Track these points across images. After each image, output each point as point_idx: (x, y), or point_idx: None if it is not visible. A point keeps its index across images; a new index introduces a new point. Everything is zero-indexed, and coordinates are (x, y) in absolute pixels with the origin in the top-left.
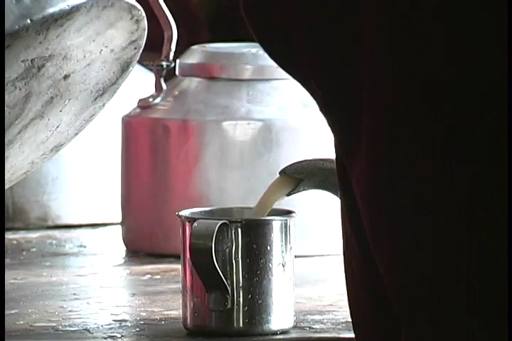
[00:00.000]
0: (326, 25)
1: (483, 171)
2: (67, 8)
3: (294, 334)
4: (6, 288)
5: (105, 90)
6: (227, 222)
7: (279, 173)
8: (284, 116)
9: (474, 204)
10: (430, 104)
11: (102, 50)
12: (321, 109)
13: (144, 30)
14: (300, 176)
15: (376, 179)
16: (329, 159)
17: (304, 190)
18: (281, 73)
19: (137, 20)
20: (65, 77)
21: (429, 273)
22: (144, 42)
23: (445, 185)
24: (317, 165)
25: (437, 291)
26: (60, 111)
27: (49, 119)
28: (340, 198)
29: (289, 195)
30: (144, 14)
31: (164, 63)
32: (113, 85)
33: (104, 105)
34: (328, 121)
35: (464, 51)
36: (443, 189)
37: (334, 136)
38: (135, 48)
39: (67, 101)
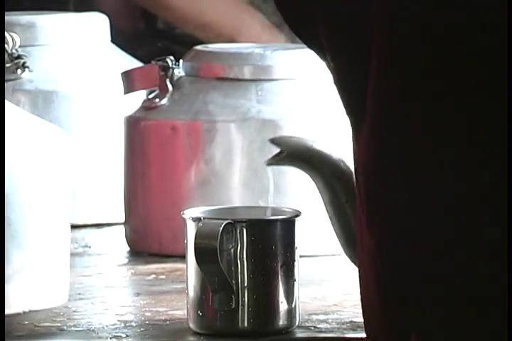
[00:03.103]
0: (340, 11)
1: (494, 153)
2: None
3: (298, 334)
4: None
5: None
6: (232, 221)
7: (268, 140)
8: (294, 116)
9: (477, 193)
10: (433, 90)
11: None
12: (335, 82)
13: None
14: (283, 148)
15: (375, 157)
16: (320, 143)
17: (287, 164)
18: (289, 73)
19: None
20: None
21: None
22: None
23: (450, 173)
24: (305, 144)
25: (449, 292)
26: None
27: None
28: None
29: (269, 164)
30: None
31: (170, 63)
32: None
33: None
34: (340, 96)
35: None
36: (445, 178)
37: (346, 114)
38: None
39: None
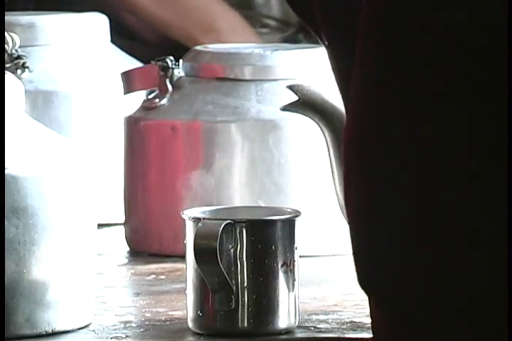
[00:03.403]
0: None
1: (494, 153)
2: None
3: (298, 334)
4: None
5: None
6: (231, 221)
7: (286, 87)
8: (294, 116)
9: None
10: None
11: None
12: (329, 59)
13: None
14: (299, 95)
15: (354, 128)
16: (335, 98)
17: (299, 112)
18: (289, 73)
19: None
20: None
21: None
22: None
23: (450, 174)
24: (321, 95)
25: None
26: None
27: None
28: None
29: (283, 109)
30: None
31: (170, 63)
32: None
33: None
34: (332, 72)
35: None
36: (445, 178)
37: (338, 89)
38: None
39: None
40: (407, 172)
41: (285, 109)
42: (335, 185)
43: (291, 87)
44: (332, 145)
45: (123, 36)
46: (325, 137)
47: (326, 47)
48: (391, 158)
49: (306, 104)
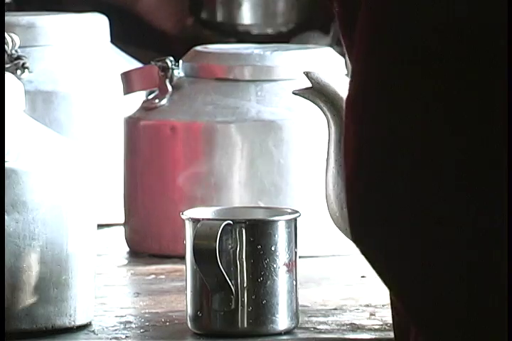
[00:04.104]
0: None
1: (495, 153)
2: None
3: (298, 335)
4: None
5: None
6: (231, 222)
7: (303, 72)
8: (294, 117)
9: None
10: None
11: None
12: (339, 28)
13: None
14: (313, 83)
15: (351, 93)
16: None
17: (310, 99)
18: (288, 74)
19: None
20: None
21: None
22: None
23: (452, 174)
24: (334, 87)
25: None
26: None
27: None
28: None
29: (294, 93)
30: None
31: (169, 64)
32: None
33: None
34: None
35: None
36: (446, 177)
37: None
38: None
39: None
40: (412, 172)
41: (297, 93)
42: (326, 181)
43: (307, 74)
44: (334, 137)
45: (126, 41)
46: (328, 129)
47: (337, 14)
48: (393, 166)
49: (318, 92)
